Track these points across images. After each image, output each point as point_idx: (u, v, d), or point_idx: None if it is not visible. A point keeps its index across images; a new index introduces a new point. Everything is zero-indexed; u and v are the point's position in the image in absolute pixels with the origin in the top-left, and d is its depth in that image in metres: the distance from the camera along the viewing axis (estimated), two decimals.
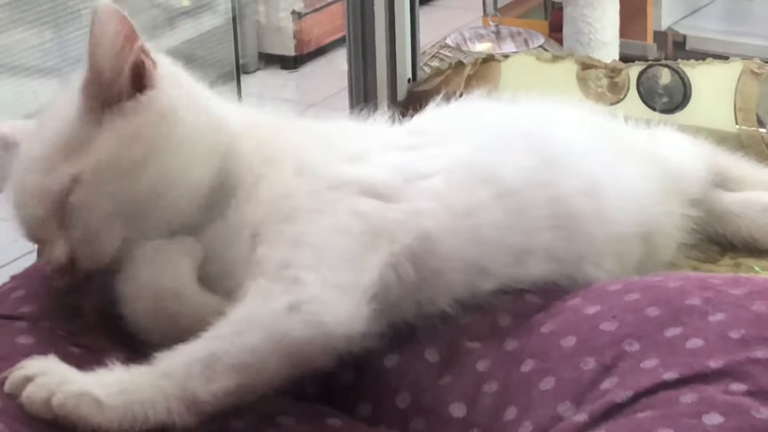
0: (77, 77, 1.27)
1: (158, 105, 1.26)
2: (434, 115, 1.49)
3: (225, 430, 1.21)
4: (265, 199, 1.28)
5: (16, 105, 3.37)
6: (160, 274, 1.24)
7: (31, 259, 1.47)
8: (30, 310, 1.33)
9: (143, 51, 1.26)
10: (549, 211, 1.37)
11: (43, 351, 1.21)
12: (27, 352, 1.22)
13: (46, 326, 1.31)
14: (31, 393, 1.15)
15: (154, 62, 1.27)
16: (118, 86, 1.25)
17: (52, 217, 1.24)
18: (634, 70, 1.86)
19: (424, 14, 4.07)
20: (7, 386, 1.17)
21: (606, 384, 1.20)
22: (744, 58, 1.85)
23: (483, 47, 2.99)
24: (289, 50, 3.86)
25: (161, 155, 1.25)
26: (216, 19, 3.66)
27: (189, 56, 3.29)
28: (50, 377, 1.16)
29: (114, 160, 1.23)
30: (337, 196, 1.29)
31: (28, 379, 1.16)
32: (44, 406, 1.14)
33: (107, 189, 1.24)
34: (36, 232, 1.27)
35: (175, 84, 1.30)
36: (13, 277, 1.41)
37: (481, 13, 3.31)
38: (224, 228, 1.28)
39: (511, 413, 1.23)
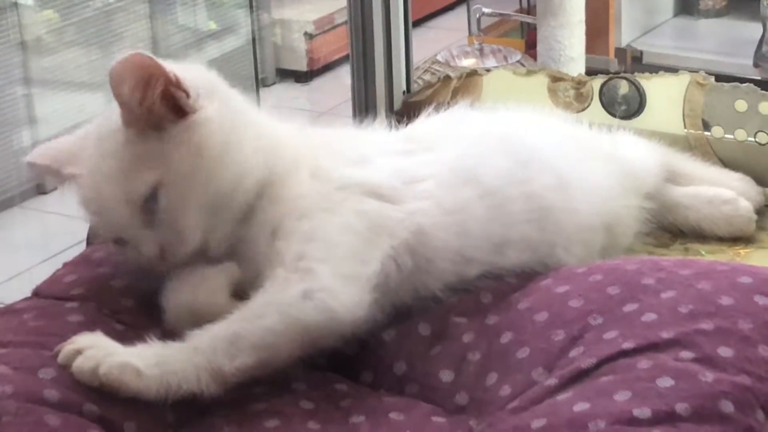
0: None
1: (206, 122, 1.24)
2: (426, 123, 1.48)
3: (245, 395, 1.21)
4: (285, 198, 1.28)
5: (64, 116, 3.37)
6: (196, 291, 1.24)
7: (80, 249, 1.48)
8: (80, 293, 1.33)
9: (172, 85, 1.22)
10: (525, 206, 1.36)
11: (90, 328, 1.22)
12: (77, 329, 1.22)
13: (93, 306, 1.31)
14: (81, 363, 1.15)
15: (186, 91, 1.24)
16: (154, 117, 1.23)
17: (136, 219, 1.23)
18: (596, 82, 1.85)
19: (418, 35, 4.08)
20: (60, 358, 1.17)
21: (573, 353, 1.20)
22: (692, 71, 1.84)
23: (468, 63, 2.98)
24: (302, 66, 3.86)
25: (225, 159, 1.24)
26: (238, 40, 3.66)
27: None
28: (97, 350, 1.16)
29: (189, 166, 1.23)
30: (344, 197, 1.28)
31: (78, 352, 1.16)
32: (92, 374, 1.14)
33: (187, 191, 1.23)
34: (121, 234, 1.26)
35: (219, 98, 1.27)
36: (66, 264, 1.41)
37: (467, 33, 3.30)
38: (253, 225, 1.27)
39: (492, 378, 1.23)
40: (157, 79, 1.21)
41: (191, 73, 1.27)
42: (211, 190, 1.23)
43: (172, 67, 1.23)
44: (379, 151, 1.37)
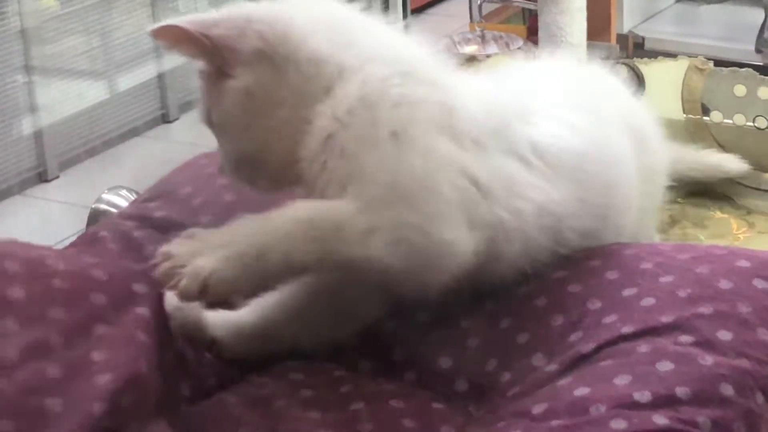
0: None
1: (233, 92, 1.25)
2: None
3: (251, 381, 1.23)
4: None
5: (65, 104, 3.37)
6: None
7: None
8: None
9: (207, 50, 1.24)
10: (602, 200, 1.33)
11: None
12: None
13: None
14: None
15: (222, 56, 1.24)
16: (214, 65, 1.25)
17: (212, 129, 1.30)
18: None
19: (420, 21, 4.08)
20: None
21: (573, 338, 1.20)
22: (692, 56, 1.84)
23: (470, 49, 2.97)
24: None
25: (249, 128, 1.26)
26: None
27: None
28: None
29: (222, 119, 1.27)
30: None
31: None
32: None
33: (223, 134, 1.28)
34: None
35: (274, 64, 1.25)
36: (72, 245, 1.42)
37: (468, 20, 3.30)
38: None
39: (491, 364, 1.23)
40: (189, 44, 1.24)
41: (251, 29, 1.25)
42: (237, 147, 1.27)
43: (218, 25, 1.24)
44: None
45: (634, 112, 1.47)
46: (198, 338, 1.26)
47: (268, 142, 1.25)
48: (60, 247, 1.43)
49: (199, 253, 1.13)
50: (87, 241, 1.42)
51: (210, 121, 1.28)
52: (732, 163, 1.73)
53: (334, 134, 1.21)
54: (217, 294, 1.12)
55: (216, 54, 1.24)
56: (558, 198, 1.27)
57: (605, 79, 1.50)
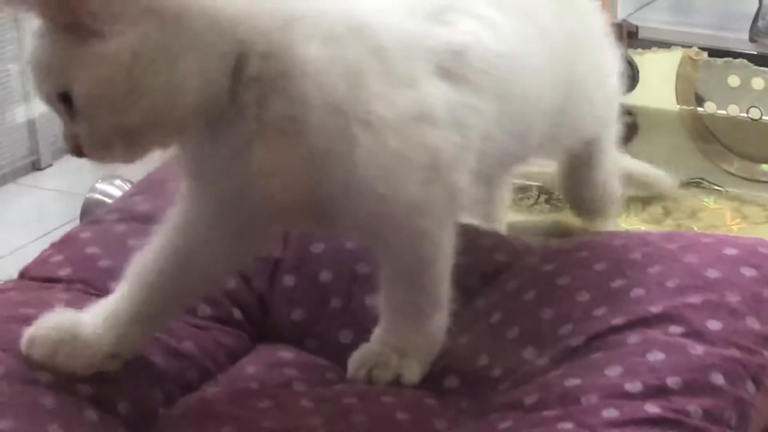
0: None
1: (108, 57, 1.04)
2: None
3: (237, 376, 1.23)
4: None
5: None
6: None
7: (75, 225, 1.48)
8: (66, 274, 1.32)
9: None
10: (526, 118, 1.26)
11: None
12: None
13: (79, 288, 1.30)
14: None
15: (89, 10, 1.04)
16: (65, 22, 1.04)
17: (57, 107, 1.08)
18: None
19: None
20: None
21: (563, 331, 1.21)
22: (687, 46, 1.84)
23: None
24: None
25: (139, 96, 1.06)
26: None
27: None
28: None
29: (92, 92, 1.05)
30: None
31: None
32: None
33: (95, 110, 1.06)
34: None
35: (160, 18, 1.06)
36: (53, 245, 1.39)
37: None
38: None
39: (482, 360, 1.23)
40: None
41: None
42: (115, 121, 1.06)
43: None
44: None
45: (586, 22, 1.40)
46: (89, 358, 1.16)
47: (168, 102, 1.05)
48: (55, 234, 1.41)
49: (403, 353, 1.21)
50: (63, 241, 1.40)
51: (62, 98, 1.06)
52: (661, 181, 1.65)
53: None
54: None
55: (78, 8, 1.02)
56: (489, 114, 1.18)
57: None
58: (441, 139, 1.13)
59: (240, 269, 1.30)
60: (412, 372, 1.22)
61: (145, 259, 1.18)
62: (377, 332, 1.23)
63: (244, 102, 1.07)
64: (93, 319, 1.17)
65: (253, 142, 1.08)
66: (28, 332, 1.16)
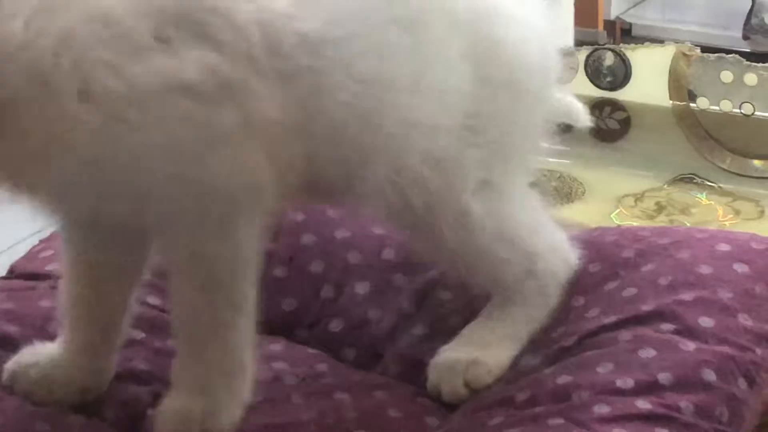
0: None
1: None
2: None
3: None
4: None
5: None
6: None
7: None
8: (54, 269, 1.30)
9: None
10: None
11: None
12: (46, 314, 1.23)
13: None
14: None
15: None
16: None
17: None
18: (582, 54, 1.86)
19: None
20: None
21: (555, 334, 1.20)
22: (679, 42, 1.84)
23: None
24: None
25: None
26: None
27: None
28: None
29: None
30: None
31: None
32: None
33: None
34: None
35: None
36: (42, 240, 1.40)
37: None
38: None
39: None
40: None
41: None
42: None
43: None
44: None
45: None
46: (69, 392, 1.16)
47: None
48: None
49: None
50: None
51: None
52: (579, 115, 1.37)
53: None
54: None
55: None
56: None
57: None
58: (204, 113, 0.98)
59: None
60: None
61: (68, 292, 1.16)
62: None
63: None
64: (63, 354, 1.16)
65: None
66: (9, 367, 1.17)
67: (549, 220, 1.23)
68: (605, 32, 3.21)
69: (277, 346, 1.27)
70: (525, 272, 1.18)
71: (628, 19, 3.33)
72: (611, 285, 1.22)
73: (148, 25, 0.96)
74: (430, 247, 1.16)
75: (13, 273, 1.34)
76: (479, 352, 1.18)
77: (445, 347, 1.20)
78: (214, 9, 0.98)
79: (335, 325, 1.29)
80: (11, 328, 1.22)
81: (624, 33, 3.28)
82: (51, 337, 1.20)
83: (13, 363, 1.17)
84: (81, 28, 0.94)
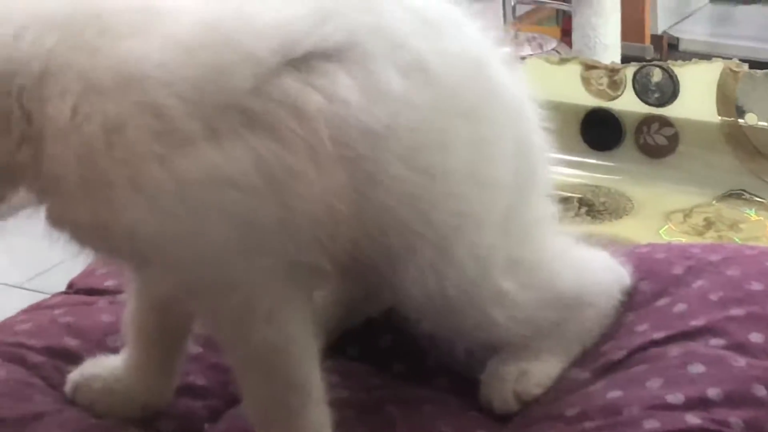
0: None
1: None
2: None
3: None
4: None
5: None
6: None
7: None
8: (112, 284, 1.34)
9: None
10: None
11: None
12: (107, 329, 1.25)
13: (124, 299, 1.28)
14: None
15: None
16: None
17: None
18: (630, 70, 1.86)
19: None
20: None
21: (605, 347, 1.21)
22: (728, 57, 1.85)
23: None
24: None
25: None
26: None
27: None
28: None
29: None
30: None
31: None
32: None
33: None
34: None
35: None
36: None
37: (502, 22, 3.31)
38: None
39: None
40: None
41: None
42: None
43: None
44: None
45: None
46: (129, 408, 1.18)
47: None
48: None
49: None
50: None
51: None
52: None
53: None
54: None
55: None
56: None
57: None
58: (247, 206, 0.97)
59: None
60: None
61: (132, 312, 1.17)
62: None
63: (19, 163, 0.99)
64: (125, 370, 1.18)
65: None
66: (72, 378, 1.19)
67: (584, 254, 1.22)
68: (652, 47, 3.21)
69: (330, 362, 1.28)
70: (575, 313, 1.19)
71: (675, 34, 3.32)
72: (661, 301, 1.23)
73: (197, 116, 0.95)
74: (470, 328, 1.15)
75: (72, 288, 1.37)
76: (529, 364, 1.19)
77: (496, 359, 1.20)
78: (281, 101, 0.97)
79: (385, 341, 1.30)
80: (72, 342, 1.25)
81: (671, 48, 3.28)
82: (111, 350, 1.22)
83: (76, 374, 1.19)
84: (132, 120, 0.95)
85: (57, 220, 1.00)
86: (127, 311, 1.17)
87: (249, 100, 0.96)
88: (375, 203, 1.02)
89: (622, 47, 2.73)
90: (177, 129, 0.95)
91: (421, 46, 1.02)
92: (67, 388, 1.19)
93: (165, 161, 0.94)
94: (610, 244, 1.51)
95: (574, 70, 1.87)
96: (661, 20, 3.31)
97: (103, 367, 1.19)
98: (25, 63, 0.96)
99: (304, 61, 0.98)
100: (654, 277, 1.26)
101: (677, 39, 3.32)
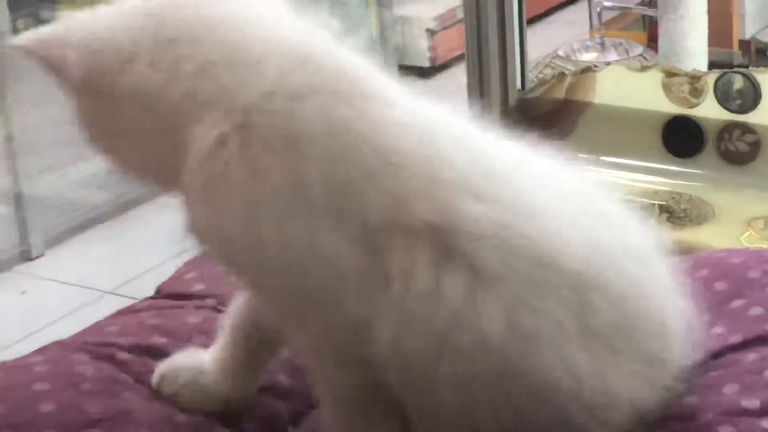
0: None
1: None
2: None
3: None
4: None
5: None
6: None
7: None
8: (200, 289, 1.37)
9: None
10: None
11: (207, 328, 1.25)
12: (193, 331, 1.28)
13: (212, 303, 1.34)
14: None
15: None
16: None
17: None
18: (711, 77, 1.86)
19: (538, 30, 4.08)
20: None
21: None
22: None
23: (589, 57, 2.98)
24: (424, 62, 3.92)
25: None
26: (360, 39, 3.69)
27: None
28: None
29: None
30: None
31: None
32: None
33: None
34: None
35: None
36: (187, 263, 1.45)
37: (588, 27, 3.31)
38: None
39: None
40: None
41: None
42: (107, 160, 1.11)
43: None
44: None
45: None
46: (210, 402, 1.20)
47: (132, 163, 1.09)
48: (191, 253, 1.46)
49: None
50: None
51: None
52: None
53: None
54: None
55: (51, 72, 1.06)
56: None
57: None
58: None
59: None
60: None
61: (236, 309, 1.20)
62: None
63: None
64: (212, 364, 1.20)
65: None
66: (159, 369, 1.21)
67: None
68: (740, 53, 3.18)
69: None
70: None
71: (763, 39, 3.29)
72: (737, 303, 1.23)
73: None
74: None
75: (159, 293, 1.40)
76: None
77: None
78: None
79: None
80: (160, 340, 1.26)
81: (759, 53, 3.24)
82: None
83: (164, 365, 1.21)
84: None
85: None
86: (232, 307, 1.20)
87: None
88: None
89: (710, 53, 2.72)
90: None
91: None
92: (154, 378, 1.21)
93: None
94: (691, 250, 1.52)
95: (655, 77, 1.87)
96: (749, 25, 3.27)
97: (191, 359, 1.21)
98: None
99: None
100: (730, 280, 1.26)
101: (765, 44, 3.28)
